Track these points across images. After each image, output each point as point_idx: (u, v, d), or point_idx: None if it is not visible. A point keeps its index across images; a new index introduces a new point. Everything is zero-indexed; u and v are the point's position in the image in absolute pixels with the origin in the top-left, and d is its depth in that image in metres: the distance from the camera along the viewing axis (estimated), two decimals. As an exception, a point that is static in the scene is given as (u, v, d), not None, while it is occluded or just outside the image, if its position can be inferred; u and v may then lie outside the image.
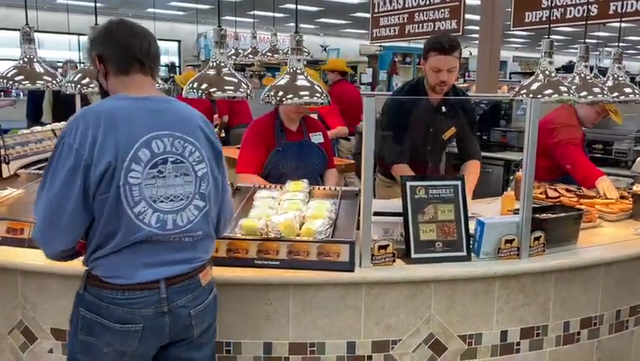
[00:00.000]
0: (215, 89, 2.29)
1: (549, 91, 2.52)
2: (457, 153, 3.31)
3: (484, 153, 5.63)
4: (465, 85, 9.75)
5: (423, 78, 3.03)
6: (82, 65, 2.87)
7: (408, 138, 3.04)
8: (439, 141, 3.15)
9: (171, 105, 1.72)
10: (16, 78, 2.66)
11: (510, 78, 13.42)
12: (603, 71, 5.64)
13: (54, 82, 2.70)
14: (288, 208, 2.33)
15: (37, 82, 2.68)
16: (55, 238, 1.60)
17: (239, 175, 3.06)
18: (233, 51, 5.64)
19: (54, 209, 1.57)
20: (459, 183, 2.22)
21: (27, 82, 2.66)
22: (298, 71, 2.26)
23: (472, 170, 3.13)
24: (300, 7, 2.37)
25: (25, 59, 2.66)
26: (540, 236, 2.23)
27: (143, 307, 1.61)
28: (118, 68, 1.68)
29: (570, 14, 5.38)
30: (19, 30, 2.69)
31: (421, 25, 6.61)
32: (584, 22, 4.61)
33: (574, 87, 2.64)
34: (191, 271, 1.70)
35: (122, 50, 1.67)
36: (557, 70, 2.73)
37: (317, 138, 3.18)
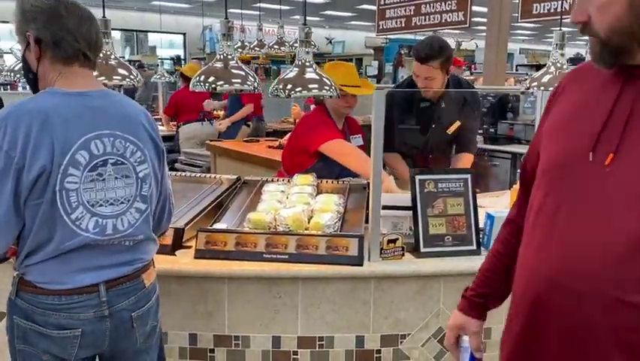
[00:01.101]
0: (222, 82, 2.27)
1: (560, 83, 2.49)
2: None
3: (490, 147, 5.65)
4: (471, 77, 9.69)
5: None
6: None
7: (402, 130, 3.01)
8: (444, 136, 3.13)
9: (111, 101, 1.58)
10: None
11: (517, 70, 13.34)
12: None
13: None
14: (296, 202, 2.32)
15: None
16: None
17: (332, 142, 2.79)
18: (239, 44, 5.62)
19: None
20: (469, 176, 2.20)
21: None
22: (307, 64, 2.24)
23: (465, 164, 3.06)
24: (307, -1, 2.35)
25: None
26: (550, 230, 2.21)
27: (83, 312, 1.52)
28: (57, 56, 1.51)
29: (579, 5, 5.32)
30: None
31: (427, 17, 6.55)
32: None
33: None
34: (132, 273, 1.60)
35: (68, 39, 1.50)
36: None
37: (356, 140, 3.06)
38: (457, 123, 3.08)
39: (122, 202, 1.56)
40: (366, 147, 3.16)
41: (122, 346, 1.63)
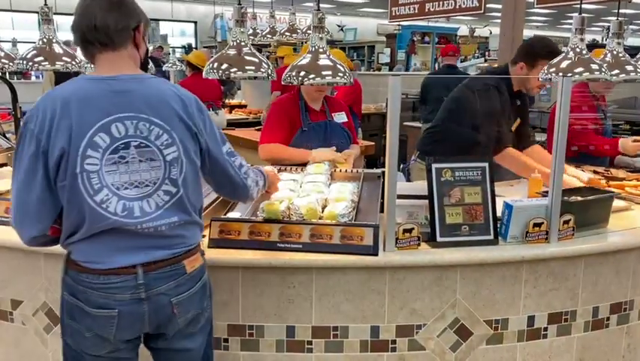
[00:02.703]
0: (235, 68, 2.25)
1: (580, 69, 2.43)
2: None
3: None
4: (485, 64, 9.57)
5: (504, 72, 3.05)
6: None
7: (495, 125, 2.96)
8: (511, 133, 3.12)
9: (141, 85, 1.59)
10: (36, 59, 2.64)
11: (531, 57, 13.14)
12: (627, 49, 5.46)
13: (73, 63, 2.68)
14: (310, 191, 2.30)
15: (57, 63, 2.65)
16: (26, 224, 1.56)
17: (261, 146, 2.98)
18: (251, 31, 5.58)
19: (22, 196, 1.53)
20: (486, 165, 2.16)
21: (47, 63, 2.63)
22: (320, 50, 2.20)
23: (544, 154, 3.05)
24: (319, -16, 2.30)
25: (45, 40, 2.63)
26: (569, 219, 2.17)
27: (119, 293, 1.56)
28: (78, 44, 1.60)
29: (597, -10, 5.21)
30: (37, 12, 2.66)
31: (441, 3, 6.45)
32: (612, -1, 4.46)
33: (605, 65, 2.55)
34: (172, 257, 1.61)
35: (76, 33, 1.58)
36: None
37: (340, 117, 3.13)
38: (518, 121, 3.10)
39: (148, 185, 1.57)
40: (354, 125, 3.25)
41: (163, 330, 1.66)
